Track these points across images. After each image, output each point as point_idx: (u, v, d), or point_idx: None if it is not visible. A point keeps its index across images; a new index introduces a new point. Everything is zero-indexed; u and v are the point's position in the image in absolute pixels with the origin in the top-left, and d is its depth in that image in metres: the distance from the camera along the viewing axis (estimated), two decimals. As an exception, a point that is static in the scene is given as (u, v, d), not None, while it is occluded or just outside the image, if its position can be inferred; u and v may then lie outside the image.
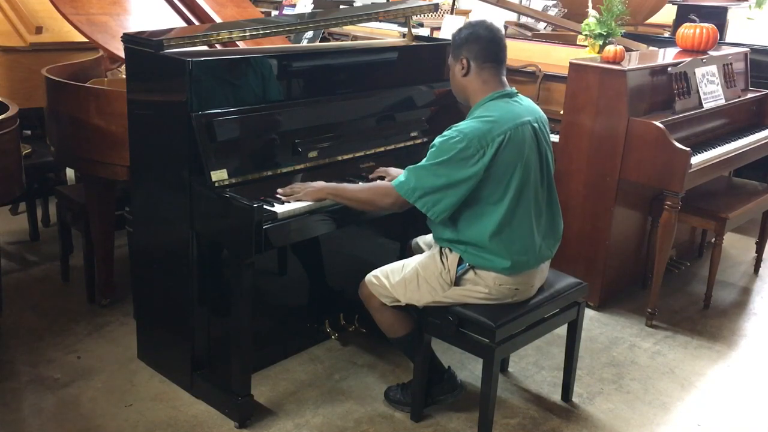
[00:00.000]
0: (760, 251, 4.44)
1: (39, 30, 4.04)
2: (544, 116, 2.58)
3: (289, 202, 2.54)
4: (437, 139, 2.42)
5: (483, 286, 2.52)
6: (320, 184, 2.62)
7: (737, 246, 4.70)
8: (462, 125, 2.40)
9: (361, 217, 2.78)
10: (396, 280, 2.61)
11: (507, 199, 2.41)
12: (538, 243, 2.52)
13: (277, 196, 2.56)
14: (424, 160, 2.43)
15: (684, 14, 5.43)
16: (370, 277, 2.69)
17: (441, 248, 2.58)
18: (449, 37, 2.64)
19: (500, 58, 2.49)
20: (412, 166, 2.45)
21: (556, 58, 4.25)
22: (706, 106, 3.75)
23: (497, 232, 2.43)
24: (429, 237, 2.84)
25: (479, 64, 2.47)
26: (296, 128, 2.75)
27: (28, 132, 4.27)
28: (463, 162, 2.35)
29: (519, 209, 2.44)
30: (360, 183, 2.70)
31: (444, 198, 2.39)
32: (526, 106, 2.50)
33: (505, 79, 2.52)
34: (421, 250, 2.81)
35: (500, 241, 2.44)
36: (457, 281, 2.55)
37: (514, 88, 2.53)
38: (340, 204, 2.61)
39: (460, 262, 2.53)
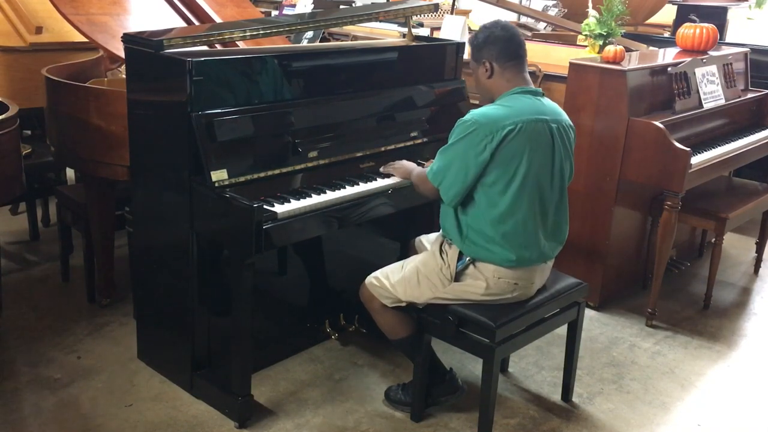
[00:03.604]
0: (760, 251, 4.44)
1: (39, 30, 4.04)
2: (569, 122, 2.58)
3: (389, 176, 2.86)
4: (457, 122, 2.49)
5: (482, 280, 2.53)
6: (408, 165, 2.84)
7: (737, 246, 4.70)
8: (478, 110, 2.47)
9: (360, 217, 2.78)
10: (396, 279, 2.62)
11: (511, 189, 2.43)
12: (541, 241, 2.53)
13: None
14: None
15: (684, 14, 5.43)
16: (370, 278, 2.69)
17: (441, 245, 2.61)
18: (449, 37, 2.65)
19: (520, 54, 2.53)
20: (440, 149, 2.53)
21: (556, 58, 4.25)
22: (706, 106, 3.75)
23: (499, 221, 2.46)
24: (432, 236, 2.85)
25: (502, 64, 2.51)
26: (296, 128, 2.75)
27: (28, 132, 4.27)
28: (472, 146, 2.40)
29: (523, 203, 2.46)
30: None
31: (455, 182, 2.45)
32: (549, 107, 2.53)
33: (528, 76, 2.55)
34: (424, 249, 2.81)
35: (502, 232, 2.46)
36: (457, 277, 2.56)
37: (540, 88, 2.56)
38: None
39: (460, 257, 2.55)
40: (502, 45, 2.50)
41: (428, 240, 2.86)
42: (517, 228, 2.46)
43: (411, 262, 2.65)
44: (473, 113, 2.44)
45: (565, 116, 2.56)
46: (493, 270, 2.51)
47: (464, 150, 2.41)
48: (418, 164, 2.90)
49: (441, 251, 2.60)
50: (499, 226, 2.46)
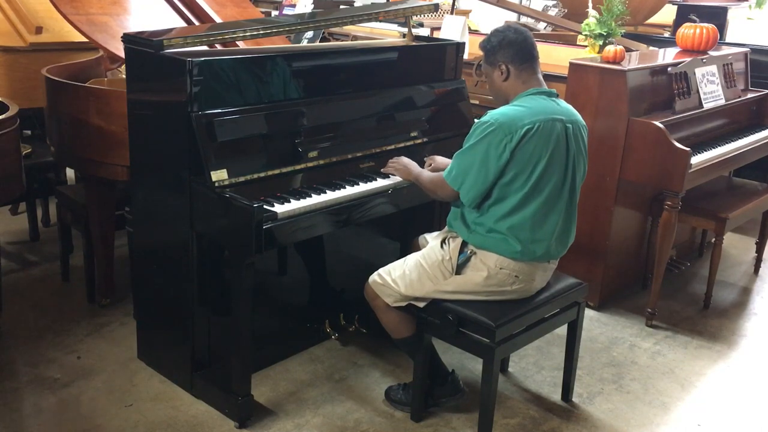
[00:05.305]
0: (760, 251, 4.44)
1: (39, 30, 4.04)
2: (583, 122, 2.60)
3: (392, 174, 2.86)
4: (474, 124, 2.50)
5: (483, 270, 2.54)
6: (411, 166, 2.80)
7: (737, 246, 4.70)
8: (496, 110, 2.48)
9: (361, 217, 2.78)
10: (398, 274, 2.64)
11: (526, 187, 2.46)
12: (549, 239, 2.54)
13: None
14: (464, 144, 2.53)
15: (684, 14, 5.43)
16: (374, 276, 2.70)
17: (444, 239, 2.64)
18: (449, 37, 2.65)
19: (534, 56, 2.57)
20: (456, 152, 2.53)
21: (556, 58, 4.25)
22: (706, 106, 3.75)
23: (507, 215, 2.48)
24: (434, 233, 2.85)
25: (517, 66, 2.54)
26: (296, 128, 2.75)
27: (28, 132, 4.27)
28: (493, 146, 2.42)
29: (533, 200, 2.48)
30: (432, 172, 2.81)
31: (476, 183, 2.46)
32: (564, 107, 2.56)
33: (541, 77, 2.58)
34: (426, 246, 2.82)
35: (508, 226, 2.48)
36: (458, 270, 2.58)
37: (554, 90, 2.58)
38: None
39: (462, 250, 2.57)
40: (516, 48, 2.53)
41: (431, 237, 2.87)
42: (525, 222, 2.48)
43: (413, 257, 2.68)
44: (491, 114, 2.46)
45: (579, 117, 2.58)
46: (495, 260, 2.53)
47: (484, 151, 2.43)
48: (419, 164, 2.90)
49: (443, 244, 2.63)
50: (507, 220, 2.48)
